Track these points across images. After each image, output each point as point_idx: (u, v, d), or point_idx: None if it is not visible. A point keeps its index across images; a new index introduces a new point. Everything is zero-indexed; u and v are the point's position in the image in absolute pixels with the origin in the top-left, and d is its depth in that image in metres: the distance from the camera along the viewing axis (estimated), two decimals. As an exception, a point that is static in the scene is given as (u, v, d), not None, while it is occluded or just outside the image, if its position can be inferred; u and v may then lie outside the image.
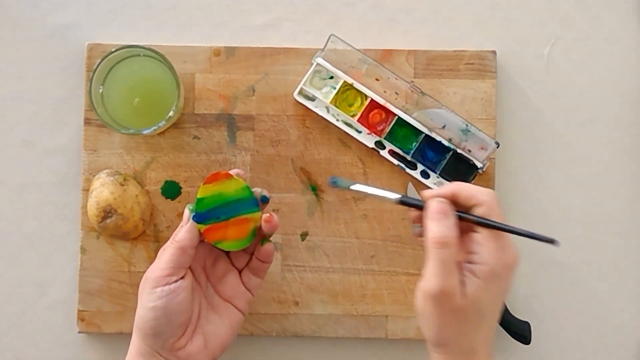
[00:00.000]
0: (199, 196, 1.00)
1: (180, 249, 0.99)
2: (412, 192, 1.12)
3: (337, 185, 0.99)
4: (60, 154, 1.15)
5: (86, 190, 1.12)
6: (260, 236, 1.03)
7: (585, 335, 1.16)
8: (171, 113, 1.04)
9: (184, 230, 1.00)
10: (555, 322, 1.15)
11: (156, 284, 0.98)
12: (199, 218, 1.00)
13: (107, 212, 1.08)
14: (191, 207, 1.01)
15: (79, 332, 1.13)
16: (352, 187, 0.98)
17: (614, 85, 1.17)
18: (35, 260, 1.15)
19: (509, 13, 1.17)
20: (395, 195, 0.95)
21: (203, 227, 1.00)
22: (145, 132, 1.04)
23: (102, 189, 1.09)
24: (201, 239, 1.01)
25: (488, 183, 1.13)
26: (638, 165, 1.16)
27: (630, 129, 1.17)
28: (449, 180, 1.12)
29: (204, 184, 1.00)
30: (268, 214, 1.02)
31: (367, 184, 0.97)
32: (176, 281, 0.98)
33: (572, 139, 1.16)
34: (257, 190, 1.03)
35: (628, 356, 1.16)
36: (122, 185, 1.09)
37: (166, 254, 0.99)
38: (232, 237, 1.01)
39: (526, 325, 1.12)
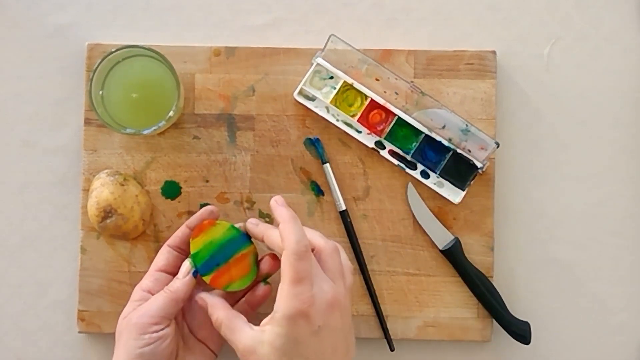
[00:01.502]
0: (193, 252, 1.04)
1: (173, 300, 1.01)
2: (412, 193, 1.12)
3: (312, 147, 1.10)
4: (60, 154, 1.15)
5: (86, 190, 1.12)
6: (260, 277, 1.07)
7: (585, 335, 1.16)
8: (171, 113, 1.04)
9: (183, 283, 1.03)
10: (555, 322, 1.15)
11: (144, 330, 1.00)
12: (202, 271, 1.04)
13: (107, 212, 1.08)
14: (191, 262, 1.04)
15: (79, 332, 1.13)
16: (324, 166, 1.12)
17: (614, 85, 1.17)
18: (35, 260, 1.15)
19: (509, 13, 1.17)
20: (342, 207, 1.13)
21: (209, 278, 1.04)
22: (145, 132, 1.04)
23: (102, 189, 1.09)
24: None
25: (488, 183, 1.13)
26: (638, 165, 1.16)
27: (630, 129, 1.17)
28: (448, 180, 1.12)
29: (192, 238, 1.05)
30: (272, 254, 1.06)
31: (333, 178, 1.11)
32: (163, 328, 1.00)
33: (572, 139, 1.16)
34: (242, 225, 1.06)
35: (628, 356, 1.16)
36: (122, 185, 1.09)
37: (158, 302, 1.01)
38: (238, 276, 1.05)
39: (526, 326, 1.12)
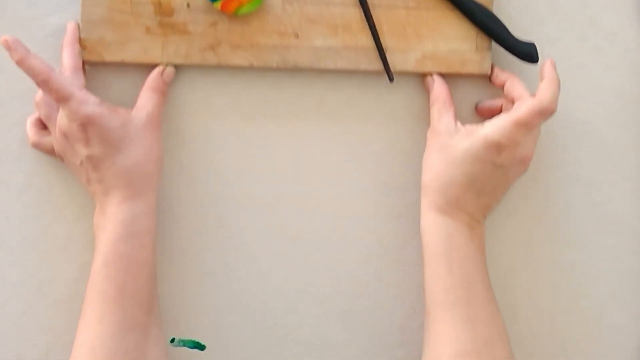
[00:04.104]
0: None
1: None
2: None
3: None
4: (61, 153, 1.15)
5: None
6: None
7: (584, 335, 1.16)
8: None
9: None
10: (554, 323, 1.16)
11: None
12: None
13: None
14: None
15: (83, 61, 1.13)
16: None
17: (614, 85, 1.17)
18: (35, 260, 1.15)
19: (509, 13, 1.17)
20: None
21: (219, 4, 1.08)
22: None
23: None
24: None
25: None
26: (638, 165, 1.16)
27: (630, 129, 1.17)
28: None
29: None
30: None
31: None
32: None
33: (572, 139, 1.16)
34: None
35: (627, 356, 1.16)
36: None
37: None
38: None
39: (531, 46, 1.12)
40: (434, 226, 1.07)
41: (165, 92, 1.13)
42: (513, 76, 1.11)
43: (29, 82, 1.14)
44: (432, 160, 1.09)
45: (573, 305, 1.16)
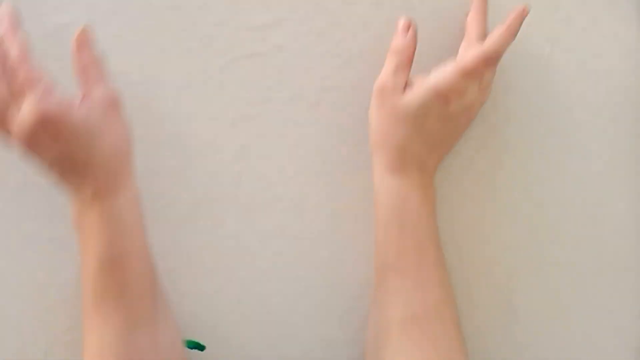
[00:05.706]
0: None
1: None
2: None
3: None
4: (60, 153, 1.15)
5: None
6: None
7: (584, 336, 1.16)
8: None
9: None
10: (554, 323, 1.16)
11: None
12: None
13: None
14: None
15: None
16: None
17: (614, 85, 1.17)
18: (35, 260, 1.15)
19: (507, 12, 1.16)
20: None
21: None
22: None
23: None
24: None
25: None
26: (638, 165, 1.16)
27: (630, 128, 1.17)
28: None
29: None
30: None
31: None
32: None
33: (572, 139, 1.16)
34: None
35: (627, 357, 1.16)
36: None
37: None
38: None
39: None
40: (388, 189, 1.06)
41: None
42: (479, 6, 1.11)
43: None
44: (381, 120, 1.08)
45: (573, 304, 1.16)
